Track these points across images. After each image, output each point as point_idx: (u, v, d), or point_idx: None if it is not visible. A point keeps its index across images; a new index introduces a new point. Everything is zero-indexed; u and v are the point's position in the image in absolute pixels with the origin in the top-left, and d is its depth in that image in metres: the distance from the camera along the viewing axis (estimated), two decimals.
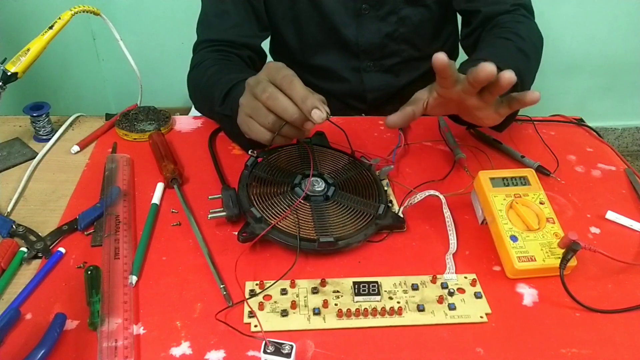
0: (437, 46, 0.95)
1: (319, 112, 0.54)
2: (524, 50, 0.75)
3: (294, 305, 0.54)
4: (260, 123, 0.59)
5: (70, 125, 0.82)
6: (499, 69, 0.55)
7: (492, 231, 0.62)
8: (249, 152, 0.67)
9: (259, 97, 0.57)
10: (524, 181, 0.65)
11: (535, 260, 0.58)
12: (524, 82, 0.69)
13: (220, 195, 0.64)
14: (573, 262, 0.57)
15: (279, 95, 0.56)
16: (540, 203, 0.63)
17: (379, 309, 0.54)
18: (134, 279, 0.56)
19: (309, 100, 0.54)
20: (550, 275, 0.58)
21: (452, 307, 0.55)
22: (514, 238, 0.59)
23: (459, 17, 0.98)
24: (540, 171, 0.75)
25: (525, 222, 0.61)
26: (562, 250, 0.57)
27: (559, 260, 0.57)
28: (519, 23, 0.83)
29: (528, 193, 0.63)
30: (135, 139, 0.78)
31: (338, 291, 0.56)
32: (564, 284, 0.55)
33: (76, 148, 0.76)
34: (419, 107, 0.63)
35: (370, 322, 0.53)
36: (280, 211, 0.61)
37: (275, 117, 0.57)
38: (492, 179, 0.64)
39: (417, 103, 0.63)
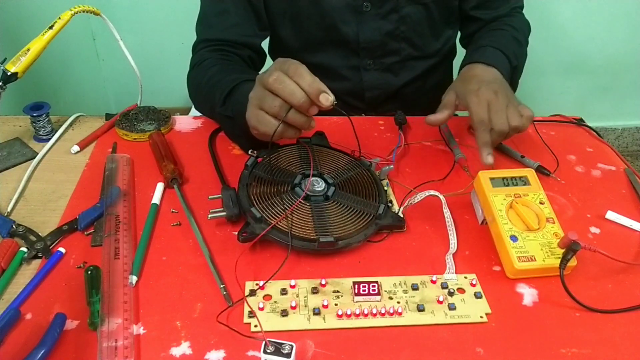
0: (437, 46, 0.96)
1: (327, 95, 0.56)
2: (518, 39, 0.91)
3: (294, 305, 0.54)
4: (267, 110, 0.59)
5: (70, 125, 0.82)
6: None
7: (492, 231, 0.62)
8: (249, 152, 0.68)
9: (266, 83, 0.58)
10: (524, 181, 0.65)
11: (535, 260, 0.58)
12: (519, 64, 0.87)
13: (220, 195, 0.64)
14: (573, 262, 0.57)
15: (286, 78, 0.57)
16: (540, 203, 0.63)
17: (379, 309, 0.54)
18: (134, 279, 0.56)
19: (316, 84, 0.56)
20: (550, 275, 0.58)
21: (452, 307, 0.55)
22: (514, 238, 0.59)
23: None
24: (540, 171, 0.75)
25: (525, 222, 0.61)
26: (562, 250, 0.57)
27: (559, 260, 0.57)
28: (512, 17, 0.96)
29: (528, 193, 0.63)
30: (135, 139, 0.78)
31: (338, 291, 0.56)
32: (564, 283, 0.55)
33: (76, 148, 0.76)
34: (452, 110, 0.78)
35: (370, 322, 0.53)
36: (280, 211, 0.61)
37: (281, 101, 0.58)
38: (492, 179, 0.64)
39: (450, 107, 0.78)
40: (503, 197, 0.63)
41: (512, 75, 0.84)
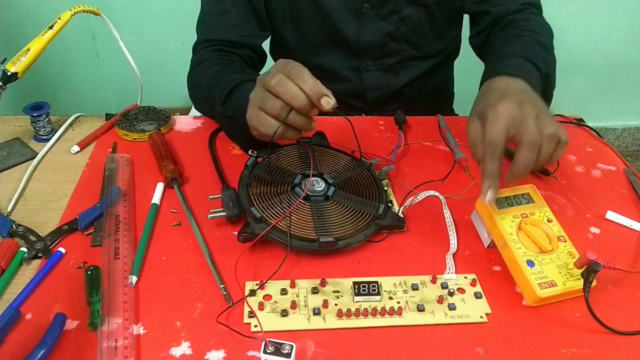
0: (439, 47, 0.95)
1: (328, 99, 0.56)
2: (543, 43, 0.78)
3: (294, 305, 0.54)
4: (268, 111, 0.59)
5: (70, 125, 0.82)
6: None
7: (505, 256, 0.59)
8: (249, 152, 0.68)
9: (268, 85, 0.58)
10: (527, 199, 0.61)
11: (557, 285, 0.55)
12: (551, 71, 0.74)
13: (220, 195, 0.64)
14: (593, 283, 0.54)
15: (288, 81, 0.57)
16: (548, 221, 0.60)
17: (379, 309, 0.54)
18: (134, 279, 0.56)
19: (318, 88, 0.56)
20: (572, 297, 0.56)
21: (452, 307, 0.55)
22: (530, 263, 0.56)
23: (465, 18, 0.97)
24: (541, 171, 0.75)
25: (537, 244, 0.58)
26: (580, 271, 0.54)
27: (578, 282, 0.54)
28: (530, 21, 0.85)
29: (534, 211, 0.60)
30: (135, 139, 0.78)
31: (338, 291, 0.56)
32: (590, 307, 0.52)
33: (76, 148, 0.76)
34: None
35: (370, 322, 0.53)
36: (280, 211, 0.61)
37: (282, 103, 0.58)
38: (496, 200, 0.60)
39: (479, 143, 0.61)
40: (511, 219, 0.59)
41: (544, 85, 0.72)
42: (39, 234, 0.61)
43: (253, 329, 0.51)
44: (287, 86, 0.57)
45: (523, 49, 0.73)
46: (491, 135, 0.57)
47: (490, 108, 0.59)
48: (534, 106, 0.58)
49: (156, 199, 0.67)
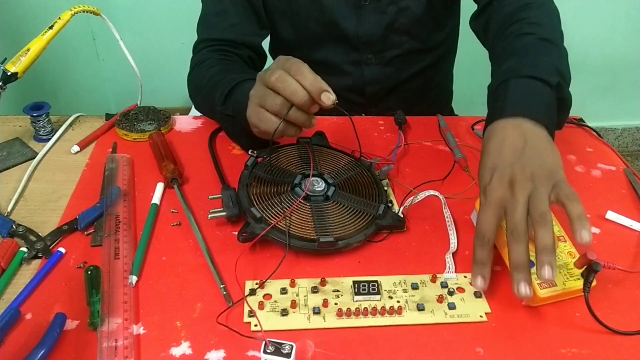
0: (439, 38, 0.95)
1: (328, 94, 0.56)
2: (548, 39, 0.70)
3: (294, 304, 0.54)
4: (268, 108, 0.59)
5: (70, 125, 0.82)
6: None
7: (505, 256, 0.56)
8: (249, 152, 0.68)
9: (268, 81, 0.58)
10: None
11: (556, 285, 0.54)
12: (564, 73, 0.66)
13: (220, 195, 0.64)
14: (593, 283, 0.54)
15: (288, 77, 0.57)
16: None
17: (378, 308, 0.54)
18: (134, 279, 0.56)
19: (318, 83, 0.56)
20: (572, 297, 0.56)
21: (451, 306, 0.55)
22: (530, 263, 0.54)
23: (463, 5, 0.96)
24: None
25: None
26: (580, 271, 0.54)
27: (578, 282, 0.54)
28: (531, 10, 0.76)
29: None
30: (135, 139, 0.78)
31: (338, 290, 0.56)
32: (590, 307, 0.52)
33: (76, 148, 0.76)
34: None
35: (370, 321, 0.53)
36: (280, 211, 0.61)
37: (282, 99, 0.58)
38: None
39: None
40: None
41: (559, 96, 0.64)
42: (39, 234, 0.61)
43: (253, 328, 0.51)
44: (287, 82, 0.57)
45: (524, 61, 0.66)
46: (479, 225, 0.56)
47: (482, 194, 0.57)
48: (529, 178, 0.55)
49: (156, 199, 0.67)
